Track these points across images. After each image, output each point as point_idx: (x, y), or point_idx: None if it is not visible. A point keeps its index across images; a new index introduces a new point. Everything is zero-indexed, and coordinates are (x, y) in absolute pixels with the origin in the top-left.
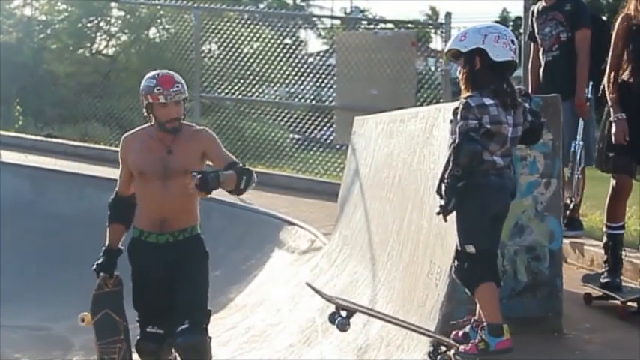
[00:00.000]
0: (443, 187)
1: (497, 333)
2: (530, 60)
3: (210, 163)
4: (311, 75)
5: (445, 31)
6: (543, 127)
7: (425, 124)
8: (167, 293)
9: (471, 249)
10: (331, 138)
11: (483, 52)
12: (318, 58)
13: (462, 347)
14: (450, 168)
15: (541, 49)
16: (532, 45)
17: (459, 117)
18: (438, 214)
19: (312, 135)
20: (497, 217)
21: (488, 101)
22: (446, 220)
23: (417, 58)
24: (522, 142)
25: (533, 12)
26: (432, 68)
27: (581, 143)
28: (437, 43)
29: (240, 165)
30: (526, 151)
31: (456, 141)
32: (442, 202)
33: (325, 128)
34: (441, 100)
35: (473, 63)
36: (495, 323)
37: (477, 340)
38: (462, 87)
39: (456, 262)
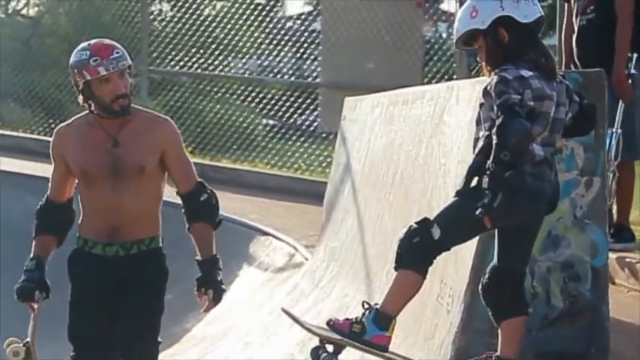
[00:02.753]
0: (485, 180)
1: (383, 325)
2: (564, 25)
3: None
4: (290, 44)
5: None
6: (596, 110)
7: (434, 106)
8: (110, 319)
9: (436, 232)
10: (315, 124)
11: (507, 19)
12: (298, 22)
13: (334, 318)
14: (493, 154)
15: (574, 10)
16: (565, 6)
17: (494, 94)
18: (480, 215)
19: (292, 120)
20: (527, 230)
21: (527, 73)
22: (492, 226)
23: (425, 21)
24: (571, 132)
25: None
26: (444, 35)
27: (620, 132)
28: (449, 2)
29: (208, 193)
30: (562, 141)
31: (500, 119)
32: (485, 200)
33: (308, 112)
34: (455, 77)
35: (498, 37)
36: (387, 314)
37: (353, 320)
38: (490, 69)
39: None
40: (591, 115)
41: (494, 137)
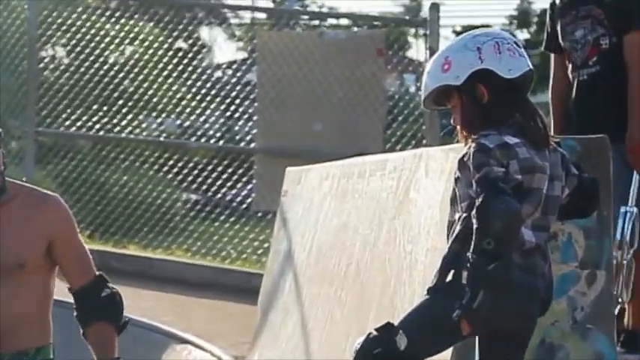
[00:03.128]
0: (463, 274)
1: None
2: (551, 81)
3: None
4: (218, 99)
5: (430, 31)
6: (599, 186)
7: (398, 180)
8: None
9: (402, 341)
10: (249, 200)
11: (487, 74)
12: (229, 72)
13: None
14: (474, 242)
15: (570, 65)
16: (553, 57)
17: (472, 166)
18: (456, 318)
19: (219, 195)
20: (516, 338)
21: (512, 140)
22: (471, 333)
23: (388, 73)
24: (568, 212)
25: (553, 5)
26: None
27: (636, 211)
28: (418, 49)
29: (110, 288)
30: (557, 224)
31: (480, 198)
32: (464, 299)
33: (240, 185)
34: (424, 143)
35: (476, 96)
36: None
37: None
38: (466, 134)
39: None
40: (593, 191)
41: (473, 220)
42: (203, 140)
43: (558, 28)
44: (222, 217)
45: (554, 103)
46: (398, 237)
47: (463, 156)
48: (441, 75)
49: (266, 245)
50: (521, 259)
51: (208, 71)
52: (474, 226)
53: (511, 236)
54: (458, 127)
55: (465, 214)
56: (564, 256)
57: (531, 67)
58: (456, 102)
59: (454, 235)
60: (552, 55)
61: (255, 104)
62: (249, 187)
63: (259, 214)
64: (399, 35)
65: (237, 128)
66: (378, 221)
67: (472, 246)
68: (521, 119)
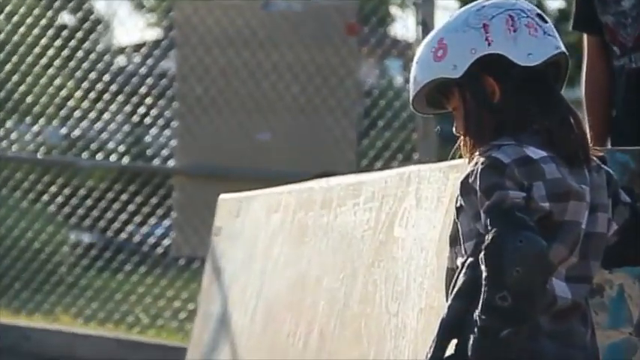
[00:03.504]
0: (470, 344)
1: None
2: (585, 72)
3: None
4: (121, 98)
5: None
6: None
7: (378, 211)
8: None
9: None
10: (166, 242)
11: (498, 61)
12: (137, 58)
13: None
14: (483, 298)
15: (614, 48)
16: (586, 40)
17: (479, 190)
18: None
19: (123, 236)
20: None
21: (537, 153)
22: None
23: (363, 58)
24: (618, 258)
25: None
26: (397, 81)
27: None
28: (406, 24)
29: None
30: (603, 274)
31: (490, 235)
32: None
33: (152, 220)
34: (415, 158)
35: (484, 92)
36: None
37: None
38: (471, 146)
39: None
40: None
41: (482, 267)
42: (100, 157)
43: (596, 3)
44: (127, 267)
45: (590, 102)
46: (378, 293)
47: (467, 176)
48: (434, 64)
49: (191, 307)
50: (551, 323)
51: (106, 57)
52: (483, 275)
53: (535, 289)
54: (460, 136)
55: (470, 259)
56: (614, 319)
57: (563, 49)
58: (456, 102)
59: (456, 288)
60: (586, 37)
61: (174, 105)
62: (166, 222)
63: (181, 262)
64: (379, 4)
65: (148, 139)
66: (350, 270)
67: (481, 303)
68: (548, 124)
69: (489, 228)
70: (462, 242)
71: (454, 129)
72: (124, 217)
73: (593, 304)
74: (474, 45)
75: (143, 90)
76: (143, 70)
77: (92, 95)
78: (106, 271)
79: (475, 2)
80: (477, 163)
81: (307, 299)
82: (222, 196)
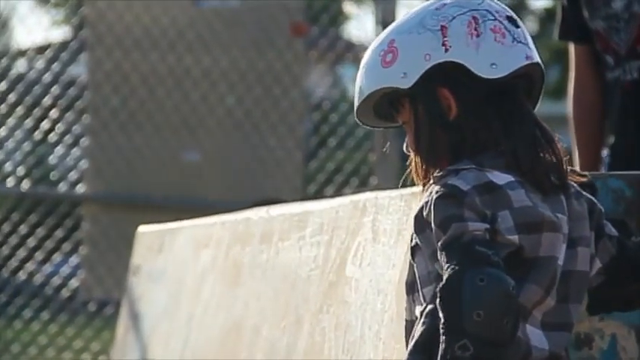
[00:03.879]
0: None
1: None
2: (573, 85)
3: None
4: (20, 111)
5: None
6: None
7: (327, 246)
8: None
9: None
10: (73, 283)
11: (456, 71)
12: (40, 63)
13: None
14: (442, 349)
15: (606, 57)
16: (574, 50)
17: (434, 224)
18: None
19: (20, 276)
20: None
21: (501, 178)
22: None
23: (311, 65)
24: (605, 302)
25: None
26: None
27: None
28: (362, 24)
29: None
30: (588, 321)
31: (447, 273)
32: None
33: (57, 257)
34: (373, 183)
35: (438, 107)
36: None
37: None
38: (423, 170)
39: None
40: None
41: (440, 313)
42: None
43: (585, 7)
44: (26, 313)
45: (578, 122)
46: (327, 343)
47: (421, 209)
48: (381, 71)
49: None
50: None
51: (3, 61)
52: (441, 322)
53: (501, 336)
54: (410, 155)
55: (430, 306)
56: None
57: (537, 59)
58: (407, 115)
59: (413, 341)
60: (573, 47)
61: (84, 119)
62: (73, 260)
63: (91, 307)
64: (331, 1)
65: (52, 160)
66: (294, 317)
67: (439, 355)
68: (514, 144)
69: (446, 266)
70: (419, 288)
71: (404, 146)
72: (22, 253)
73: (581, 357)
74: (429, 50)
75: (47, 101)
76: (47, 77)
77: None
78: (1, 318)
79: (432, 0)
80: (431, 193)
81: (243, 351)
82: (142, 229)
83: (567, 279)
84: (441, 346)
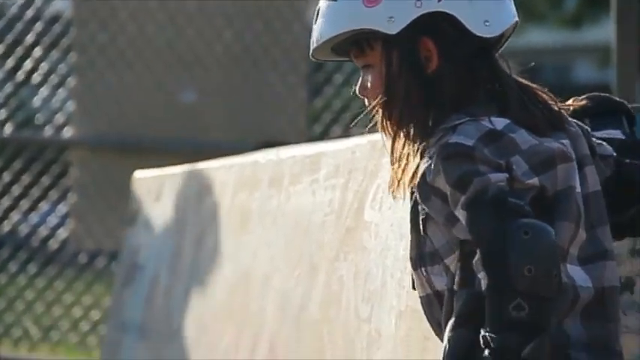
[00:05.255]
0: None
1: None
2: None
3: None
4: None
5: None
6: None
7: (343, 190)
8: None
9: None
10: (61, 234)
11: (445, 23)
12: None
13: None
14: (491, 314)
15: None
16: None
17: (449, 186)
18: None
19: (4, 227)
20: None
21: (499, 122)
22: None
23: None
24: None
25: None
26: None
27: None
28: None
29: None
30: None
31: (484, 236)
32: None
33: (44, 205)
34: None
35: (416, 58)
36: None
37: None
38: (389, 122)
39: None
40: None
41: (481, 276)
42: None
43: None
44: (12, 267)
45: None
46: (345, 293)
47: (423, 176)
48: (363, 10)
49: (95, 316)
50: (582, 328)
51: None
52: (485, 285)
53: (554, 287)
54: (369, 100)
55: (460, 275)
56: None
57: (516, 17)
58: (375, 59)
59: (455, 315)
60: None
61: (70, 57)
62: (61, 208)
63: (82, 259)
64: None
65: (36, 102)
66: (308, 266)
67: (490, 320)
68: (503, 90)
69: (477, 227)
70: (441, 259)
71: (357, 89)
72: (6, 202)
73: (622, 302)
74: None
75: (30, 38)
76: (29, 13)
77: None
78: None
79: None
80: (432, 157)
81: (252, 303)
82: (138, 174)
83: (586, 203)
84: (491, 311)
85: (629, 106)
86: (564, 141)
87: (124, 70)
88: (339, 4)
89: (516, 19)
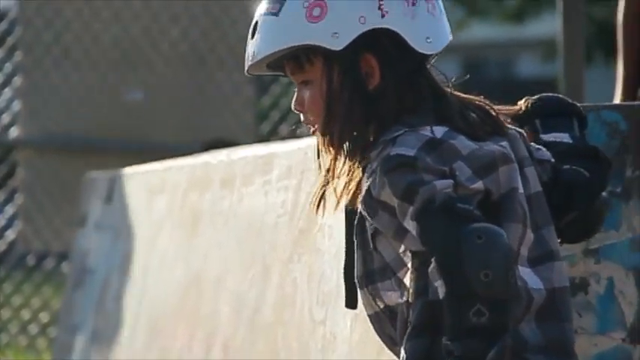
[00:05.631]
0: None
1: None
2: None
3: None
4: None
5: None
6: (605, 175)
7: (296, 191)
8: None
9: None
10: (8, 235)
11: (387, 39)
12: None
13: None
14: (451, 320)
15: None
16: None
17: (396, 198)
18: None
19: None
20: None
21: (437, 130)
22: None
23: None
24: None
25: None
26: None
27: None
28: None
29: None
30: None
31: (435, 243)
32: None
33: None
34: None
35: (357, 74)
36: None
37: None
38: (327, 139)
39: None
40: (585, 187)
41: (438, 284)
42: None
43: None
44: None
45: (625, 26)
46: (299, 295)
47: (367, 191)
48: (306, 25)
49: (44, 318)
50: (538, 330)
51: None
52: (442, 293)
53: (511, 289)
54: (306, 117)
55: (413, 286)
56: (602, 322)
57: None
58: (315, 75)
59: (411, 326)
60: None
61: (16, 56)
62: (8, 209)
63: (30, 260)
64: None
65: None
66: (261, 267)
67: (449, 329)
68: (441, 103)
69: (429, 236)
70: (393, 273)
71: (293, 104)
72: None
73: (576, 303)
74: (364, 12)
75: None
76: None
77: None
78: None
79: None
80: (374, 171)
81: (205, 305)
82: (88, 175)
83: (530, 204)
84: (451, 319)
85: (580, 105)
86: (503, 143)
87: (70, 69)
88: (280, 19)
89: (451, 37)
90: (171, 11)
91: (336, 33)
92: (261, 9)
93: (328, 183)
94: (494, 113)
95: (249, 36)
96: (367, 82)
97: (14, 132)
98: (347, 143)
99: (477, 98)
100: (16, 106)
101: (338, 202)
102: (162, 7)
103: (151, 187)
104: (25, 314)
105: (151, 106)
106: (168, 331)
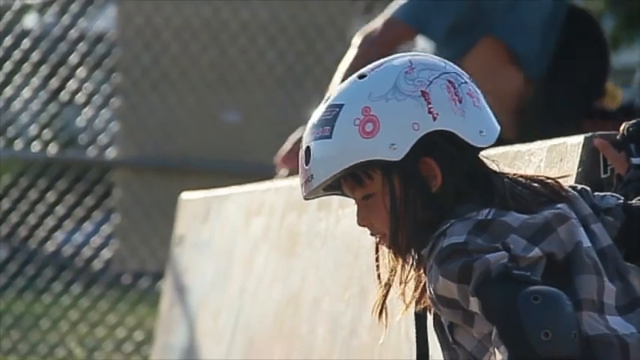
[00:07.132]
0: None
1: None
2: None
3: None
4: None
5: None
6: None
7: None
8: None
9: None
10: (105, 254)
11: (443, 140)
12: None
13: None
14: None
15: None
16: None
17: (454, 283)
18: None
19: (48, 247)
20: None
21: (484, 213)
22: None
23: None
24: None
25: None
26: None
27: None
28: None
29: None
30: None
31: (496, 311)
32: None
33: (88, 225)
34: None
35: (421, 179)
36: None
37: None
38: (401, 254)
39: None
40: None
41: (503, 355)
42: (18, 145)
43: None
44: (56, 287)
45: None
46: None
47: (433, 290)
48: (362, 142)
49: (139, 337)
50: None
51: (17, 17)
52: (506, 358)
53: (574, 347)
54: (372, 229)
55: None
56: None
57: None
58: (375, 188)
59: None
60: None
61: (114, 77)
62: (105, 229)
63: (125, 279)
64: None
65: (80, 123)
66: (358, 288)
67: None
68: (488, 190)
69: (489, 306)
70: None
71: (359, 220)
72: (50, 222)
73: None
74: (416, 119)
75: (74, 59)
76: (73, 33)
77: (7, 66)
78: (28, 292)
79: (394, 62)
80: (431, 268)
81: (302, 326)
82: (185, 196)
83: (604, 257)
84: None
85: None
86: (559, 206)
87: (167, 90)
88: (334, 142)
89: (499, 126)
90: (268, 34)
91: (393, 144)
92: (310, 135)
93: (389, 290)
94: (550, 181)
95: (303, 163)
96: (430, 185)
97: (112, 153)
98: (413, 250)
99: (527, 175)
100: (114, 127)
101: (407, 307)
102: (259, 30)
103: (248, 208)
104: (120, 333)
105: (247, 127)
106: (264, 351)
